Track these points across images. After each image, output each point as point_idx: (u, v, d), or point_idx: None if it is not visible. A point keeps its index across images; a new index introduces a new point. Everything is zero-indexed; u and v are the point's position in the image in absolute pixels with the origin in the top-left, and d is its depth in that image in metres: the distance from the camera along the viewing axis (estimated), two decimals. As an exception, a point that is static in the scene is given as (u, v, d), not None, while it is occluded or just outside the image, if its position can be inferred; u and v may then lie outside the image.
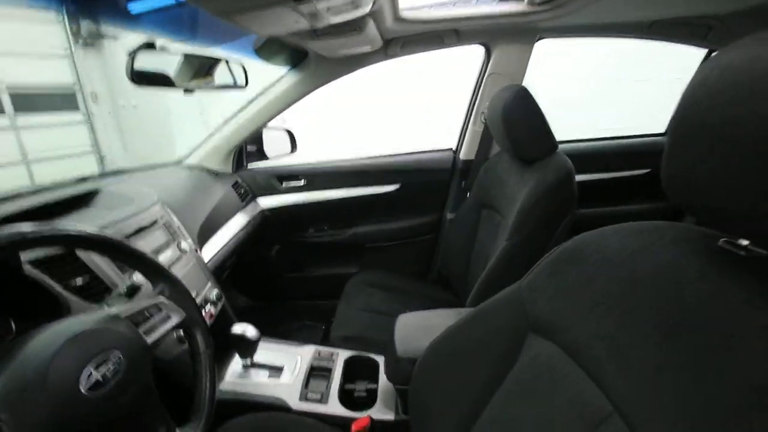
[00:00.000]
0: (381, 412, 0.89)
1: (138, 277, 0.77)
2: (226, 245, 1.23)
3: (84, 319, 0.50)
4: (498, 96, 1.04)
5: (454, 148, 1.58)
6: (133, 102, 5.97)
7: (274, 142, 1.64)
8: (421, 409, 0.72)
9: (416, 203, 1.60)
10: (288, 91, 1.34)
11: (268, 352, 1.01)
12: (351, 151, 1.66)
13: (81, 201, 0.94)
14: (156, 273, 0.61)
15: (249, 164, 1.60)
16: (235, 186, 1.46)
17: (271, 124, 1.51)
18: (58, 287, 0.64)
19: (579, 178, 0.98)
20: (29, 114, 4.75)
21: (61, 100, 5.18)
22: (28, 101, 4.68)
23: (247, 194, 1.50)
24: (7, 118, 4.61)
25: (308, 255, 1.72)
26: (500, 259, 0.99)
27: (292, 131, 1.66)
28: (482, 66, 1.39)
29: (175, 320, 0.60)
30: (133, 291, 0.62)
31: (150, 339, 0.55)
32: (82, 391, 0.43)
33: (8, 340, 0.57)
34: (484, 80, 1.38)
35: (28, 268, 0.62)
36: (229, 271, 1.34)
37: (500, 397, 0.59)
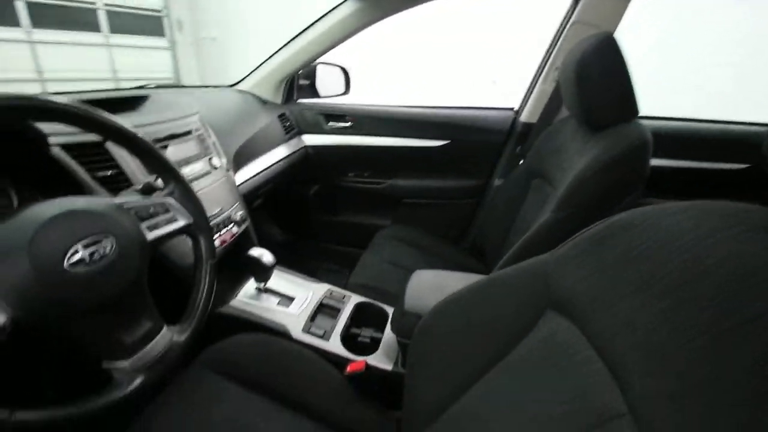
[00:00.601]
0: (380, 361, 0.87)
1: (158, 182, 0.79)
2: (261, 173, 1.24)
3: (89, 199, 0.50)
4: (578, 46, 0.89)
5: (516, 108, 1.42)
6: (213, 34, 6.17)
7: (327, 79, 1.59)
8: (416, 366, 0.69)
9: (463, 163, 1.49)
10: (346, 21, 1.26)
11: (283, 281, 1.02)
12: (403, 98, 1.57)
13: (129, 103, 0.97)
14: (167, 172, 0.61)
15: (299, 99, 1.57)
16: (282, 118, 1.44)
17: (326, 59, 1.45)
18: (83, 174, 0.66)
19: (654, 162, 0.83)
20: (120, 35, 5.10)
21: (149, 25, 5.49)
22: (120, 21, 5.01)
23: (292, 128, 1.49)
24: (102, 35, 4.99)
25: (344, 199, 1.70)
26: (539, 231, 0.89)
27: (348, 70, 1.58)
28: (567, 13, 1.19)
29: (181, 223, 0.60)
30: (149, 190, 0.62)
31: (151, 236, 0.55)
32: (65, 265, 0.43)
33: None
34: (565, 30, 1.19)
35: (56, 151, 0.64)
36: (262, 200, 1.36)
37: (500, 370, 0.53)
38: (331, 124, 1.54)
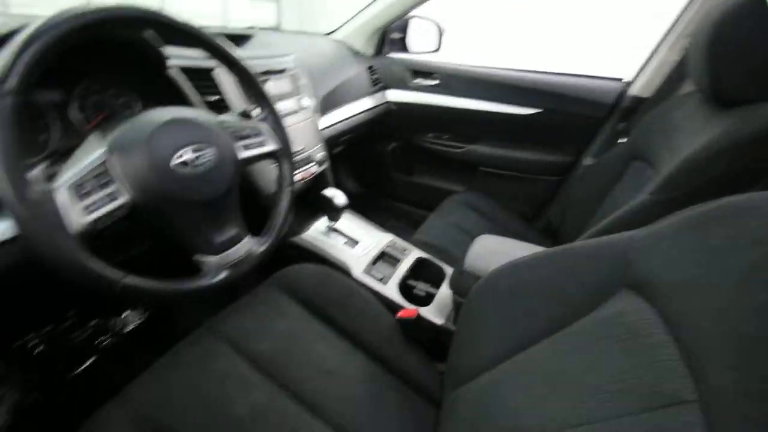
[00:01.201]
0: (432, 314, 0.88)
1: (257, 111, 0.85)
2: (344, 121, 1.27)
3: (198, 112, 0.57)
4: (717, 9, 0.74)
5: (626, 80, 1.26)
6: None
7: (418, 34, 1.54)
8: (467, 323, 0.69)
9: (552, 136, 1.38)
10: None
11: (351, 224, 1.07)
12: (494, 59, 1.47)
13: (235, 40, 1.04)
14: (263, 100, 0.65)
15: (389, 53, 1.56)
16: (370, 70, 1.45)
17: (419, 12, 1.40)
18: (194, 96, 0.74)
19: None
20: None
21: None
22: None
23: (378, 81, 1.49)
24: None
25: (420, 160, 1.69)
26: (629, 213, 0.80)
27: (441, 26, 1.52)
28: None
29: (269, 148, 0.65)
30: (245, 115, 0.68)
31: (243, 154, 0.61)
32: (172, 163, 0.50)
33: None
34: None
35: (173, 72, 0.72)
36: (342, 148, 1.41)
37: (556, 339, 0.52)
38: (417, 80, 1.51)
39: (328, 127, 1.18)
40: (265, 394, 0.62)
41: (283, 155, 0.68)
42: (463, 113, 1.47)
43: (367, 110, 1.40)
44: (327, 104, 1.19)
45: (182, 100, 0.72)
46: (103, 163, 0.45)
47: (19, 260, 0.54)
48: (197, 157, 0.52)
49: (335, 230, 1.03)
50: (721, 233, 0.40)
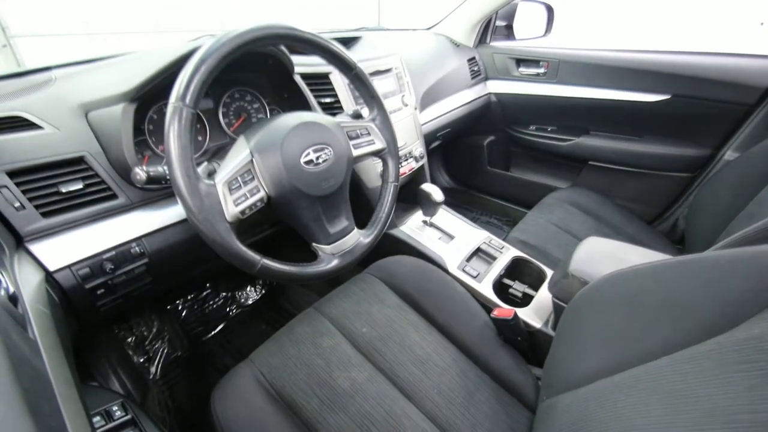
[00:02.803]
0: (529, 316, 0.86)
1: (366, 111, 0.92)
2: (443, 116, 1.28)
3: (318, 115, 0.64)
4: None
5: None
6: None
7: (527, 19, 1.46)
8: (569, 330, 0.66)
9: (684, 126, 1.20)
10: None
11: (447, 220, 1.08)
12: (612, 40, 1.31)
13: (345, 43, 1.12)
14: (374, 100, 0.70)
15: (493, 41, 1.51)
16: (471, 61, 1.42)
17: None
18: (311, 98, 0.83)
19: None
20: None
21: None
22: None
23: (478, 73, 1.46)
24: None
25: (520, 155, 1.61)
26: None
27: (553, 7, 1.41)
28: None
29: (377, 146, 0.70)
30: (357, 115, 0.74)
31: (355, 152, 0.67)
32: (300, 162, 0.57)
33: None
34: None
35: (297, 78, 0.81)
36: (439, 142, 1.42)
37: (680, 360, 0.47)
38: (521, 69, 1.44)
39: (427, 122, 1.20)
40: (363, 373, 0.68)
41: (389, 153, 0.72)
42: (574, 103, 1.35)
43: (466, 104, 1.39)
44: (427, 99, 1.21)
45: (304, 103, 0.81)
46: (249, 162, 0.54)
47: (181, 239, 0.67)
48: (318, 156, 0.59)
49: (431, 224, 1.06)
50: None
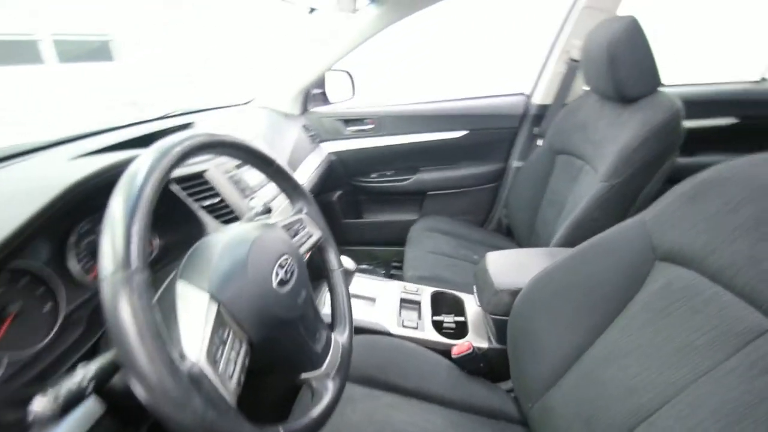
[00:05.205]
0: (474, 341, 0.93)
1: (255, 202, 0.81)
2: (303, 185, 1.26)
3: (250, 225, 0.53)
4: (601, 29, 0.98)
5: (527, 93, 1.52)
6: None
7: (335, 85, 1.61)
8: (523, 338, 0.75)
9: (482, 150, 1.58)
10: (365, 27, 1.29)
11: (359, 284, 1.06)
12: (418, 96, 1.62)
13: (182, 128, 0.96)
14: (298, 191, 0.64)
15: (314, 107, 1.59)
16: (305, 128, 1.46)
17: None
18: (192, 203, 0.68)
19: None
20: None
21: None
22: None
23: (315, 138, 1.51)
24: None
25: (369, 201, 1.74)
26: (595, 200, 0.97)
27: (351, 74, 1.62)
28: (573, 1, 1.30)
29: (315, 236, 0.63)
30: (268, 210, 0.65)
31: (301, 250, 0.58)
32: (274, 286, 0.46)
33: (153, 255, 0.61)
34: (573, 14, 1.29)
35: (173, 186, 0.65)
36: None
37: (620, 325, 0.60)
38: (350, 128, 1.57)
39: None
40: None
41: (327, 240, 0.67)
42: (400, 148, 1.58)
43: (315, 168, 1.40)
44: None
45: (185, 215, 0.65)
46: (217, 314, 0.40)
47: None
48: (286, 271, 0.49)
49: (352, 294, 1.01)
50: (713, 204, 0.54)
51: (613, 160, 0.96)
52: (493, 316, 0.88)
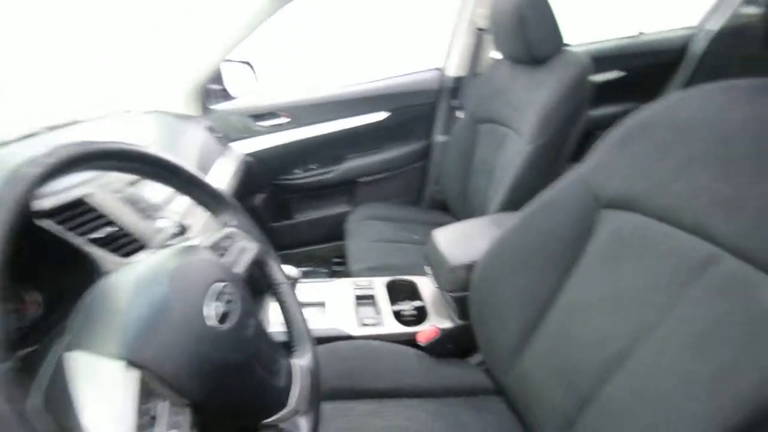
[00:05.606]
0: (438, 323, 0.90)
1: (164, 222, 0.66)
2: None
3: (163, 254, 0.42)
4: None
5: (440, 66, 1.51)
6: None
7: (235, 78, 1.45)
8: (487, 309, 0.74)
9: (406, 129, 1.55)
10: (257, 9, 1.15)
11: (304, 290, 0.96)
12: (331, 81, 1.52)
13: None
14: (220, 200, 0.53)
15: (215, 105, 1.41)
16: (210, 130, 1.28)
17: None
18: (77, 240, 0.53)
19: None
20: None
21: None
22: None
23: (224, 139, 1.34)
24: None
25: (297, 199, 1.62)
26: (526, 162, 0.99)
27: (251, 63, 1.46)
28: None
29: (253, 250, 0.53)
30: (183, 230, 0.53)
31: (237, 269, 0.48)
32: (211, 324, 0.36)
33: (35, 315, 0.47)
34: None
35: (43, 221, 0.49)
36: None
37: (578, 278, 0.61)
38: (261, 123, 1.43)
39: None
40: None
41: (266, 252, 0.57)
42: (321, 139, 1.48)
43: (230, 173, 1.25)
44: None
45: (65, 255, 0.51)
46: (142, 384, 0.29)
47: None
48: (225, 302, 0.39)
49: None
50: (645, 146, 0.56)
51: (535, 121, 0.98)
52: (453, 294, 0.86)
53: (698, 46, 1.48)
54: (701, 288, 0.45)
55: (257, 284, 0.78)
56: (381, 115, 1.49)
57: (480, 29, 1.34)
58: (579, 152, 0.67)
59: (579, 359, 0.56)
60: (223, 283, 0.40)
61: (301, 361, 0.51)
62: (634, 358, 0.50)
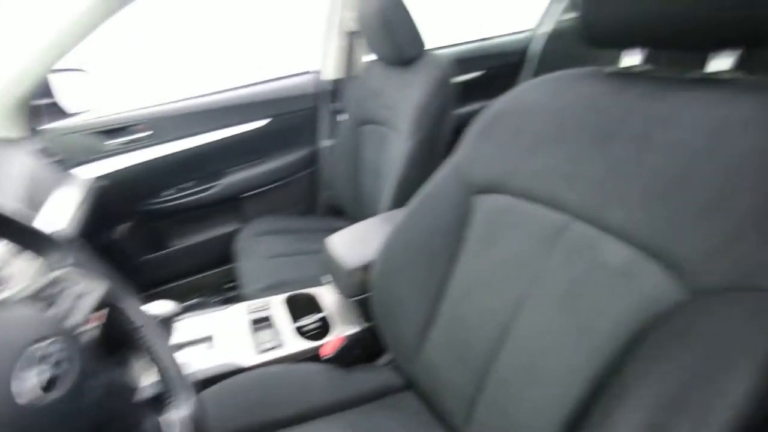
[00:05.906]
0: (343, 331, 0.87)
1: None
2: (61, 230, 0.90)
3: None
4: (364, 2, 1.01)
5: (317, 70, 1.48)
6: None
7: (69, 90, 1.21)
8: (388, 306, 0.74)
9: (290, 136, 1.48)
10: (87, 14, 0.97)
11: (186, 327, 0.84)
12: (200, 87, 1.37)
13: None
14: (37, 237, 0.41)
15: (47, 124, 1.16)
16: (43, 153, 1.04)
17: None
18: None
19: None
20: None
21: None
22: None
23: (63, 163, 1.10)
24: None
25: (171, 224, 1.42)
26: (407, 159, 1.03)
27: (87, 70, 1.24)
28: None
29: (97, 292, 0.43)
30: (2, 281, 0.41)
31: (72, 322, 0.38)
32: (29, 400, 0.27)
33: None
34: None
35: None
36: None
37: (462, 263, 0.64)
38: (113, 141, 1.22)
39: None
40: None
41: (116, 293, 0.46)
42: (196, 152, 1.32)
43: (74, 203, 1.03)
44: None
45: None
46: None
47: None
48: (52, 363, 0.30)
49: (178, 346, 0.79)
50: (504, 133, 0.62)
51: (411, 119, 1.02)
52: (355, 298, 0.84)
53: (537, 46, 1.73)
54: (559, 252, 0.51)
55: (121, 332, 0.65)
56: (259, 123, 1.39)
57: (351, 32, 1.36)
58: (453, 147, 0.71)
59: (471, 339, 0.59)
60: (46, 342, 0.31)
61: (179, 413, 0.43)
62: (515, 328, 0.54)
